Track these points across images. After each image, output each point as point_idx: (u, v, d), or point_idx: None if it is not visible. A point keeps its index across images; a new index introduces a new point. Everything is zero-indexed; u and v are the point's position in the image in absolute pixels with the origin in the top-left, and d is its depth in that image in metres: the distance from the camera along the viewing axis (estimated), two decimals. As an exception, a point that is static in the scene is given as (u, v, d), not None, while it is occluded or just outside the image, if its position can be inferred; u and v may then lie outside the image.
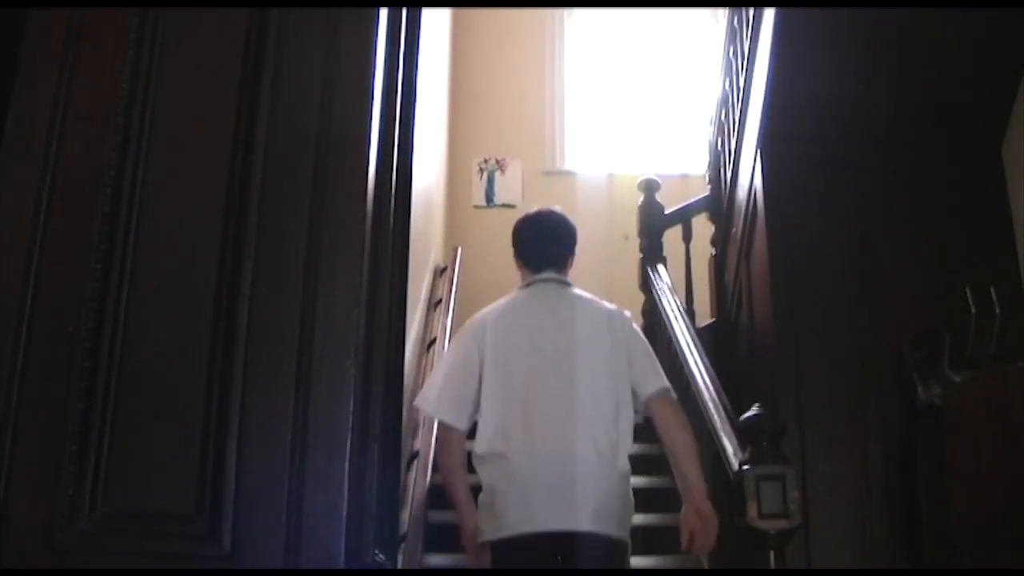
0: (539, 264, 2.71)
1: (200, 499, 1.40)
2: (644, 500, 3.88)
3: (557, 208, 2.84)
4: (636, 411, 2.60)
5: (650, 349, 2.68)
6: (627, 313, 2.74)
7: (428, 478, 3.51)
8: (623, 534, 2.48)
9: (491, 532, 2.41)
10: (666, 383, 2.61)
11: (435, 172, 5.48)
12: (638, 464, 4.14)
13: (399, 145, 1.72)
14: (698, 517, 2.45)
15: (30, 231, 1.50)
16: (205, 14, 1.62)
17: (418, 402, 2.65)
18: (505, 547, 2.38)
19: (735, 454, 2.65)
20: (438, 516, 3.48)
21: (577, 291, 2.72)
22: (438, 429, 2.66)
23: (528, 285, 2.71)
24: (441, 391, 2.58)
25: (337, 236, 1.51)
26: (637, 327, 2.74)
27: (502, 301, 2.71)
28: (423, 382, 4.28)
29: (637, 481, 4.00)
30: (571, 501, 2.36)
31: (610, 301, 2.75)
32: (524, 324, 2.61)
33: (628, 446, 2.55)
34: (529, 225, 2.76)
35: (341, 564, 1.39)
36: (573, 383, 2.50)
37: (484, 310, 2.70)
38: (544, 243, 2.74)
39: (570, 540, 2.34)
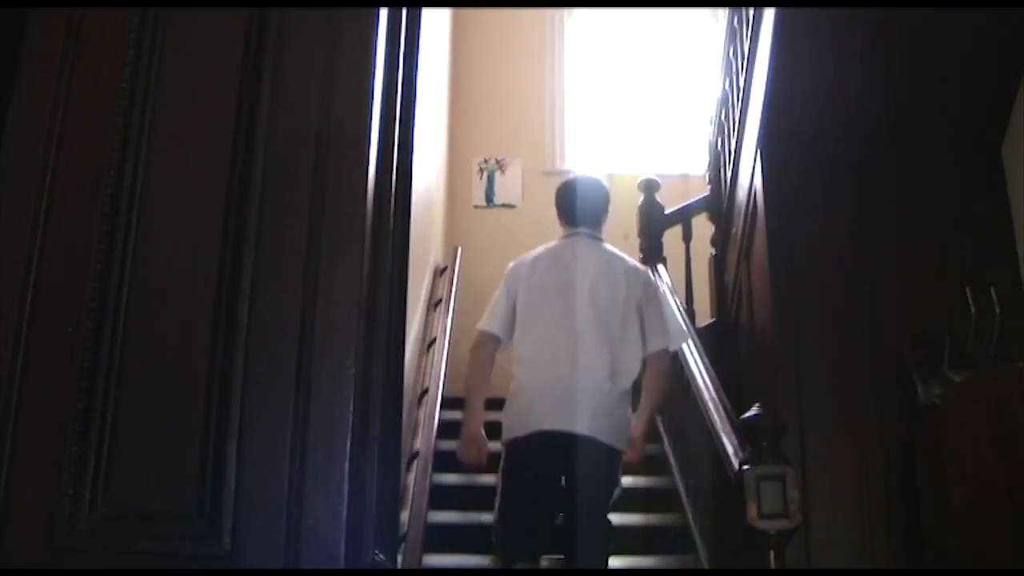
0: (574, 221, 3.21)
1: (200, 499, 1.40)
2: (644, 500, 3.90)
3: (594, 175, 3.40)
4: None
5: (663, 305, 3.18)
6: (644, 268, 3.25)
7: (428, 478, 3.51)
8: (615, 443, 2.95)
9: (508, 433, 2.99)
10: (665, 344, 3.10)
11: (435, 172, 5.48)
12: (638, 465, 4.15)
13: (399, 145, 1.72)
14: (631, 442, 3.06)
15: (30, 231, 1.50)
16: (205, 14, 1.62)
17: (478, 324, 3.19)
18: (519, 443, 2.94)
19: (735, 454, 2.65)
20: (438, 516, 3.49)
21: (606, 246, 3.20)
22: (480, 335, 3.16)
23: (565, 237, 3.22)
24: (489, 314, 3.16)
25: (337, 236, 1.51)
26: (658, 283, 3.26)
27: (541, 248, 3.25)
28: (423, 382, 4.30)
29: (637, 481, 4.02)
30: (574, 411, 2.89)
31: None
32: (555, 268, 3.13)
33: (632, 374, 3.04)
34: (568, 188, 3.28)
35: (341, 564, 1.39)
36: (588, 319, 3.01)
37: (526, 254, 3.25)
38: (579, 203, 3.22)
39: (568, 439, 2.87)
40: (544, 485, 2.95)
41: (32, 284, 1.48)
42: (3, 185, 1.52)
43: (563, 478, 2.95)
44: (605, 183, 3.33)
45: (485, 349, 3.12)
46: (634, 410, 3.12)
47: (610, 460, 2.95)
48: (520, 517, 2.96)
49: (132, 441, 1.42)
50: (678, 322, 3.21)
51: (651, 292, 3.14)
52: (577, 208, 3.21)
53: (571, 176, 3.37)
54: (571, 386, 2.92)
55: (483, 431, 3.09)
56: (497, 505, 3.03)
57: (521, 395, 2.99)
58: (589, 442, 2.87)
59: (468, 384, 3.16)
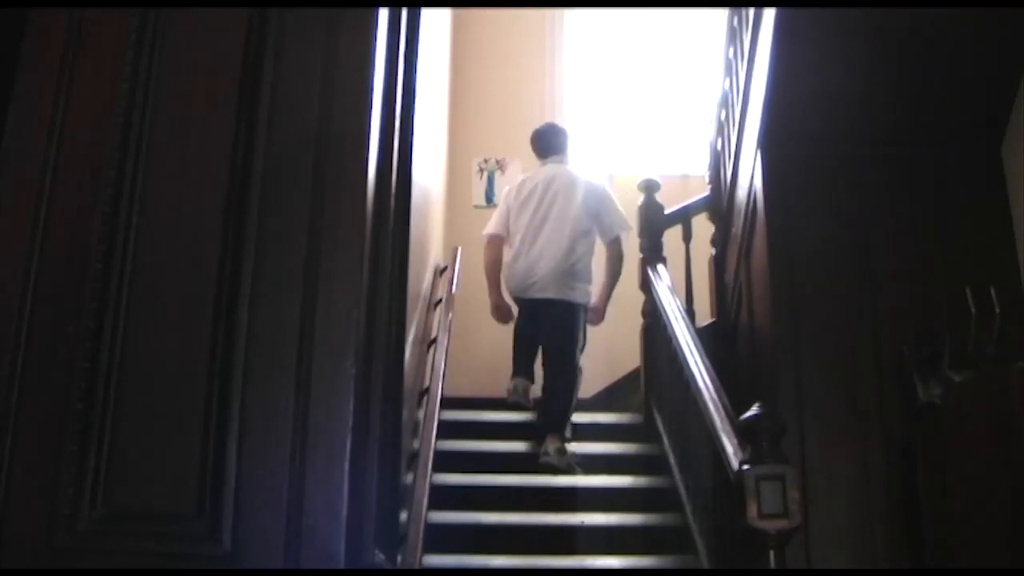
0: (545, 153, 4.74)
1: (200, 499, 1.40)
2: (644, 500, 3.90)
3: (556, 123, 5.06)
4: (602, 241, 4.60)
5: (612, 207, 4.56)
6: (599, 183, 4.66)
7: (428, 478, 3.50)
8: (572, 299, 4.39)
9: (510, 290, 4.59)
10: (615, 233, 4.55)
11: (435, 172, 5.48)
12: (638, 464, 4.16)
13: (399, 145, 1.72)
14: (594, 309, 4.53)
15: (30, 231, 1.50)
16: (205, 14, 1.62)
17: (484, 232, 4.76)
18: (517, 300, 4.56)
19: (735, 454, 2.65)
20: (438, 516, 3.49)
21: (569, 168, 4.66)
22: (488, 238, 4.74)
23: (540, 166, 4.71)
24: (491, 224, 4.75)
25: (337, 236, 1.52)
26: (608, 192, 4.62)
27: (525, 174, 4.82)
28: (423, 382, 4.30)
29: (637, 481, 4.02)
30: (541, 282, 4.40)
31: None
32: (532, 186, 4.60)
33: (585, 255, 4.49)
34: (538, 132, 4.82)
35: (341, 564, 1.39)
36: (552, 218, 4.48)
37: (515, 179, 4.90)
38: (547, 141, 4.76)
39: (539, 302, 4.39)
40: (527, 331, 4.49)
41: (32, 284, 1.48)
42: (3, 185, 1.52)
43: (540, 332, 4.41)
44: (561, 126, 4.91)
45: (492, 245, 4.69)
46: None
47: (570, 311, 4.36)
48: (521, 345, 4.51)
49: (132, 441, 1.42)
50: (622, 217, 4.58)
51: (604, 197, 4.55)
52: (545, 145, 4.73)
53: (539, 126, 4.89)
54: (540, 266, 4.40)
55: (504, 299, 4.65)
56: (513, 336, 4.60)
57: (512, 272, 4.54)
58: (553, 302, 4.36)
59: (486, 274, 4.68)
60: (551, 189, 4.50)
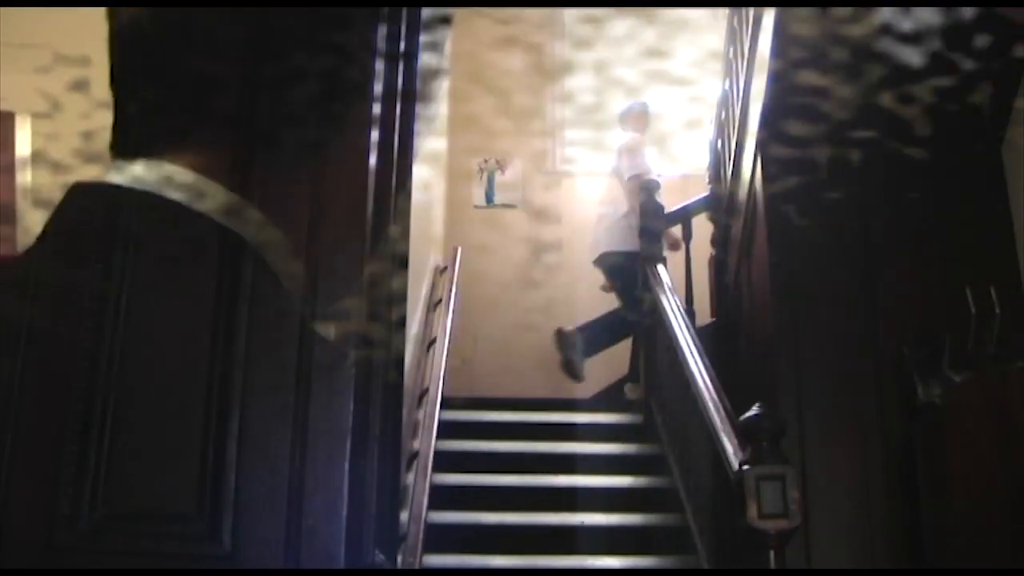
0: None
1: (200, 499, 1.40)
2: (644, 500, 3.90)
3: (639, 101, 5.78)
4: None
5: (621, 163, 5.15)
6: (621, 143, 5.28)
7: (428, 478, 3.51)
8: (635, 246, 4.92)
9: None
10: (622, 177, 5.10)
11: (435, 172, 5.48)
12: (638, 464, 4.16)
13: (399, 145, 1.72)
14: None
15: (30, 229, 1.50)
16: (205, 15, 1.62)
17: None
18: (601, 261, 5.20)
19: (735, 454, 2.65)
20: (438, 516, 3.49)
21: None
22: None
23: None
24: None
25: (337, 236, 1.51)
26: (621, 147, 5.22)
27: None
28: (423, 382, 4.30)
29: (637, 481, 4.02)
30: (604, 240, 5.20)
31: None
32: None
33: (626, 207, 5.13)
34: None
35: (341, 564, 1.39)
36: (607, 190, 5.34)
37: None
38: None
39: (610, 256, 5.16)
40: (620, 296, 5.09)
41: (32, 284, 1.48)
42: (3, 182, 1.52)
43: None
44: (632, 103, 5.67)
45: None
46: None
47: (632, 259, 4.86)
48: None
49: (132, 441, 1.42)
50: (625, 166, 5.15)
51: (618, 153, 5.27)
52: None
53: None
54: (599, 229, 5.19)
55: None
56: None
57: None
58: (619, 253, 5.05)
59: None
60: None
